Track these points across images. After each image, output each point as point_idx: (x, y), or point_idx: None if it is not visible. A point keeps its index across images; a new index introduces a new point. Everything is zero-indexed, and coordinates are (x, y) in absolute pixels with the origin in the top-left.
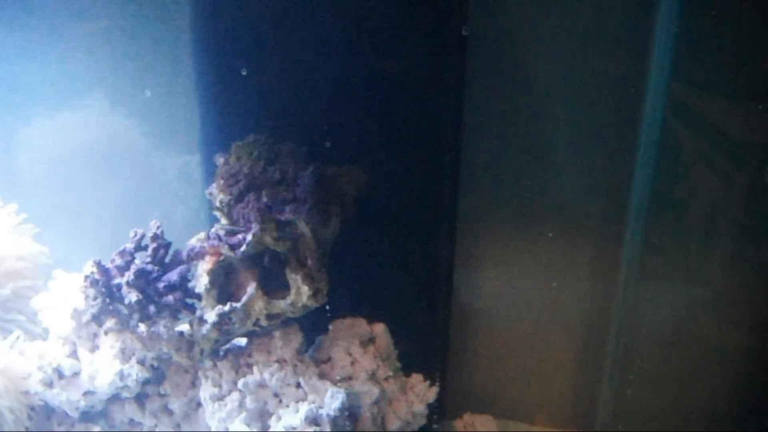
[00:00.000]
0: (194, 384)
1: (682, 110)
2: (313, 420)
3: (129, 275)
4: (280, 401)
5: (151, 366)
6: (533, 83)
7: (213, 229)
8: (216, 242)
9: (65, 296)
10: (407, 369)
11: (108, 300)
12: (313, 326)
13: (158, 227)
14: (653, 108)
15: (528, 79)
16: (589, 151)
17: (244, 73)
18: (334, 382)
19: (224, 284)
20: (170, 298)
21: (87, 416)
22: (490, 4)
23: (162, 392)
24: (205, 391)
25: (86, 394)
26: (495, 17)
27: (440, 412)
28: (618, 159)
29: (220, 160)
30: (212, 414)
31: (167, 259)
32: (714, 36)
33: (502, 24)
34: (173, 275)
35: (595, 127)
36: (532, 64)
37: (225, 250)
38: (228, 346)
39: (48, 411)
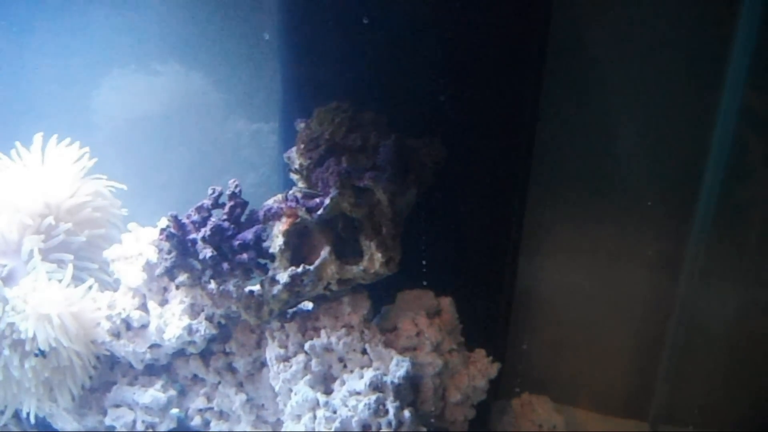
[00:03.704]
0: (259, 344)
1: (755, 116)
2: (377, 386)
3: (205, 231)
4: (345, 366)
5: (219, 323)
6: (609, 79)
7: (290, 191)
8: (293, 204)
9: (138, 249)
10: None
11: (182, 254)
12: (378, 296)
13: (236, 186)
14: (727, 113)
15: (604, 74)
16: (660, 149)
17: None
18: (399, 351)
19: (297, 246)
20: (244, 256)
21: (151, 369)
22: None
23: (227, 350)
24: (271, 351)
25: (152, 347)
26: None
27: (496, 391)
28: (689, 160)
29: (300, 125)
30: (277, 374)
31: (243, 218)
32: None
33: (582, 15)
34: (248, 234)
35: (668, 127)
36: (608, 61)
37: (302, 212)
38: (295, 309)
39: (112, 361)
